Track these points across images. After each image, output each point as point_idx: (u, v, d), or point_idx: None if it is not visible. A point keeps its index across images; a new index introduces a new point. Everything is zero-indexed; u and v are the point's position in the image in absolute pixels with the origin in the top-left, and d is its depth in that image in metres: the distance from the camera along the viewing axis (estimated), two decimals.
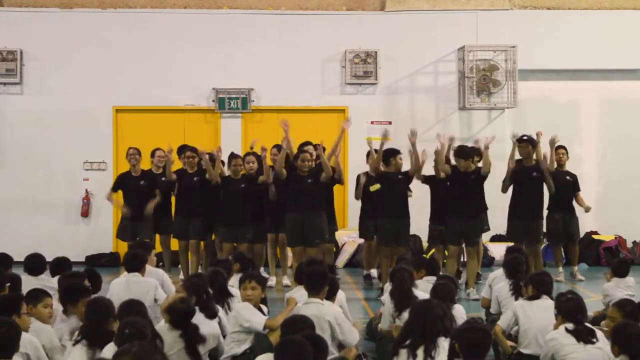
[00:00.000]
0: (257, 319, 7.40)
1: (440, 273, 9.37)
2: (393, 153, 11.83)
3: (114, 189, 13.26)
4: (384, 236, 11.52)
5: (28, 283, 8.33)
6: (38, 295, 6.87)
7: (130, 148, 13.29)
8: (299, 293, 7.93)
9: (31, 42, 15.22)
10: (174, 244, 13.22)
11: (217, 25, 15.48)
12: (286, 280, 12.28)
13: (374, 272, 12.59)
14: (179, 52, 15.34)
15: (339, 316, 7.27)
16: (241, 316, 7.43)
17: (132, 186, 13.00)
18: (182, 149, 13.05)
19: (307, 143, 12.51)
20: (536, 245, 12.34)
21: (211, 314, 7.52)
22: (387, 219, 11.47)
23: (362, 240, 13.17)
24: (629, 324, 5.91)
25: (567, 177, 13.14)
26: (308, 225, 11.40)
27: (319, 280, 7.39)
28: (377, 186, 11.50)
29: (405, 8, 15.60)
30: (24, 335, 5.89)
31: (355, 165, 14.94)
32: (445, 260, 11.99)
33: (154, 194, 12.92)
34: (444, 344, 6.09)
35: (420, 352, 6.14)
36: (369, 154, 12.13)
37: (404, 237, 11.56)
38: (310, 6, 15.78)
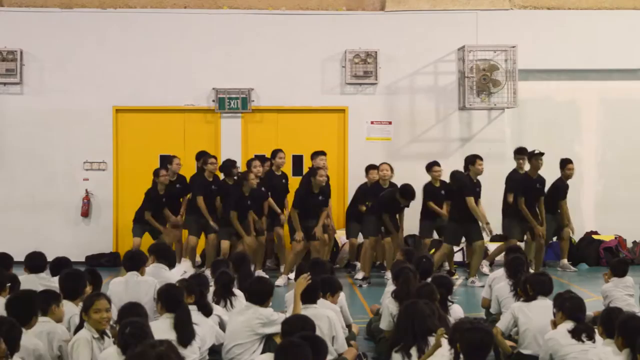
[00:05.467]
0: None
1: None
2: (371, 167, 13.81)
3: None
4: (369, 228, 13.04)
5: (28, 281, 8.35)
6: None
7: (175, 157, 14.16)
8: None
9: (31, 42, 15.20)
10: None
11: (217, 25, 15.46)
12: (280, 281, 12.73)
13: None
14: (179, 52, 15.33)
15: (334, 317, 7.29)
16: (270, 320, 7.25)
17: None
18: (202, 155, 13.94)
19: (320, 153, 13.60)
20: (540, 240, 13.39)
21: (207, 312, 7.55)
22: (372, 214, 13.10)
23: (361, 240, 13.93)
24: (636, 318, 5.90)
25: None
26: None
27: (310, 293, 7.50)
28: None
29: (405, 8, 15.58)
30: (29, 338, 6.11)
31: (355, 165, 14.97)
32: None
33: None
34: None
35: (413, 352, 6.18)
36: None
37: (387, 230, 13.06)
38: (310, 6, 15.76)
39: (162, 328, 6.59)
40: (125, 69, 15.27)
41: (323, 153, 13.68)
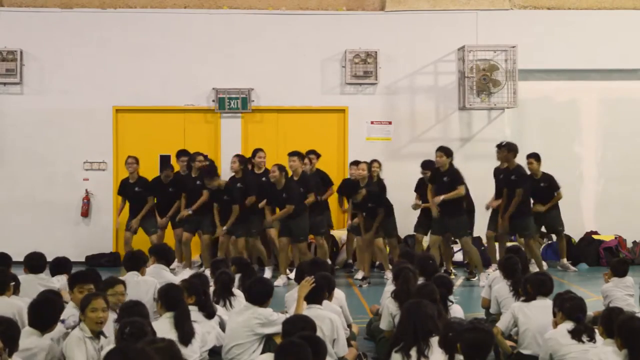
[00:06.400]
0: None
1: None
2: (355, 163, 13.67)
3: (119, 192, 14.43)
4: (356, 228, 13.13)
5: (28, 282, 8.36)
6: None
7: (129, 157, 14.23)
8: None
9: (31, 42, 15.21)
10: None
11: (217, 25, 15.46)
12: (279, 281, 12.65)
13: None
14: (179, 52, 15.33)
15: (336, 319, 7.26)
16: (269, 320, 7.23)
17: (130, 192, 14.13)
18: (181, 154, 14.18)
19: (294, 153, 13.29)
20: (525, 240, 13.20)
21: (209, 314, 7.53)
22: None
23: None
24: (634, 318, 5.90)
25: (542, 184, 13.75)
26: (294, 225, 12.92)
27: (315, 294, 7.47)
28: None
29: (405, 8, 15.59)
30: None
31: None
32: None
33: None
34: (437, 343, 6.10)
35: (413, 353, 6.16)
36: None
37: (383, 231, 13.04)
38: (310, 6, 15.77)
39: (162, 328, 6.59)
40: (125, 69, 15.27)
41: (295, 154, 13.24)
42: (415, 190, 13.61)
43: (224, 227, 13.16)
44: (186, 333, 6.70)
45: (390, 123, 15.52)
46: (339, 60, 15.43)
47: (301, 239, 12.95)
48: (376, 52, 15.28)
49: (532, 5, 15.84)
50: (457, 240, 13.17)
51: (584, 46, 15.47)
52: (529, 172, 13.50)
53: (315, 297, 7.43)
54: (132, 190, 14.02)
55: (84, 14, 15.41)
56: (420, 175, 13.56)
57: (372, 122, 15.49)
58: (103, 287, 7.21)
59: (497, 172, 13.39)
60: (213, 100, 15.36)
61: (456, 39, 15.32)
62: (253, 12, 15.58)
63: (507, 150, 13.16)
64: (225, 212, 13.23)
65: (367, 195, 12.80)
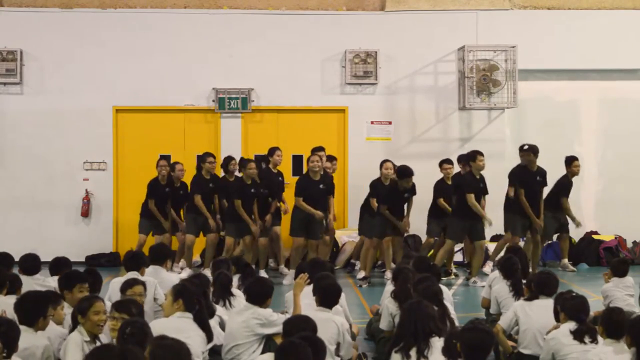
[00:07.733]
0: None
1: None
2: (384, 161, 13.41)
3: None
4: (375, 229, 12.95)
5: (23, 282, 8.34)
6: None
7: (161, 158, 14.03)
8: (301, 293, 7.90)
9: (31, 42, 15.20)
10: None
11: (217, 25, 15.46)
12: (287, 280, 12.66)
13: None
14: (179, 52, 15.33)
15: (343, 323, 7.22)
16: (268, 321, 7.22)
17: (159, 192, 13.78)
18: (205, 156, 13.79)
19: (320, 148, 13.40)
20: (537, 236, 13.27)
21: (209, 314, 7.54)
22: (380, 215, 12.96)
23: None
24: None
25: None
26: (314, 221, 12.85)
27: (334, 297, 7.39)
28: None
29: (405, 8, 15.58)
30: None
31: (355, 165, 15.00)
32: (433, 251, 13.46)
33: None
34: (437, 344, 6.10)
35: (413, 353, 6.16)
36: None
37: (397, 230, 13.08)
38: (310, 6, 15.76)
39: (184, 327, 6.64)
40: (125, 69, 15.27)
41: (320, 149, 13.47)
42: (439, 196, 13.51)
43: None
44: (210, 330, 6.98)
45: (390, 123, 15.52)
46: (339, 60, 15.43)
47: (320, 235, 12.95)
48: (376, 52, 15.28)
49: (532, 5, 15.84)
50: (475, 242, 12.93)
51: (584, 46, 15.47)
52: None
53: (327, 300, 7.34)
54: (163, 191, 13.73)
55: (84, 14, 15.41)
56: (437, 178, 13.64)
57: (372, 122, 15.49)
58: (123, 288, 7.41)
59: (520, 172, 13.26)
60: (213, 100, 15.36)
61: (456, 39, 15.32)
62: (253, 12, 15.58)
63: (531, 152, 13.15)
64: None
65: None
